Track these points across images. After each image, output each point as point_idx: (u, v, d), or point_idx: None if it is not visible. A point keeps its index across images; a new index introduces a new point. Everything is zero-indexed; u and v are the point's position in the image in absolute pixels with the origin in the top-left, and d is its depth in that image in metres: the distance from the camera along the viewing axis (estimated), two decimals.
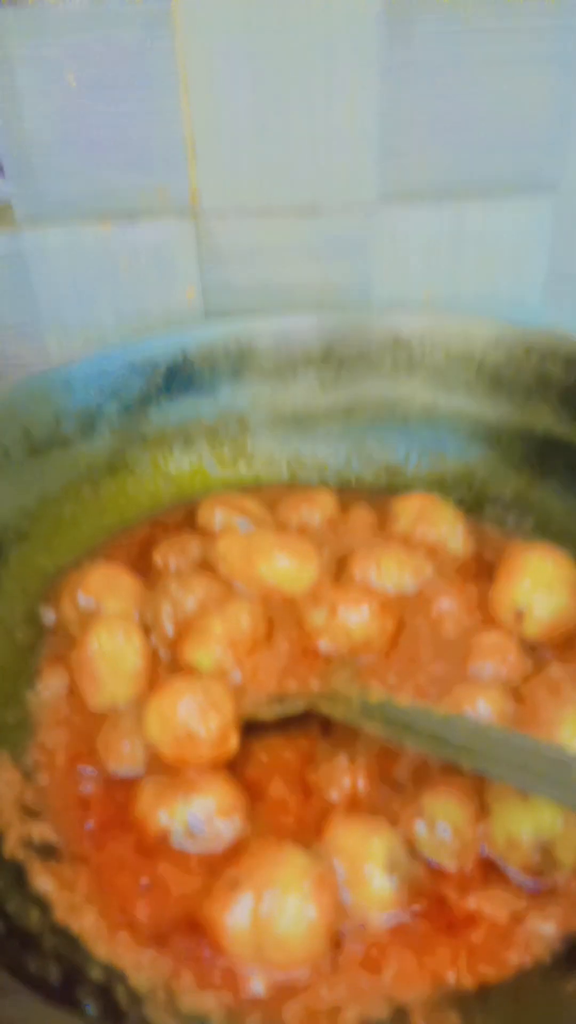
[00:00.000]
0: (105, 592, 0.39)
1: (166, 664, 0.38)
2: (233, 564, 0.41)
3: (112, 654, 0.36)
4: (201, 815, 0.31)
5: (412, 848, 0.30)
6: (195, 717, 0.33)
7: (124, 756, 0.34)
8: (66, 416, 0.47)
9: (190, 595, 0.39)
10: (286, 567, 0.41)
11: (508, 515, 0.47)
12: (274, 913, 0.27)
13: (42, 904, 0.29)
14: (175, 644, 0.38)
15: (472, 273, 0.53)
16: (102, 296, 0.54)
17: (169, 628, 0.39)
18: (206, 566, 0.42)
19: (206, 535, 0.45)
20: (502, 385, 0.48)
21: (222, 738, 0.33)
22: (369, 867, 0.29)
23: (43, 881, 0.30)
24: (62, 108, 0.48)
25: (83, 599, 0.39)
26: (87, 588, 0.39)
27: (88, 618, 0.38)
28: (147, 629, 0.39)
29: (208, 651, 0.37)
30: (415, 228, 0.52)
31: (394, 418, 0.51)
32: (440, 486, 0.50)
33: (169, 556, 0.43)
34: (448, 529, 0.44)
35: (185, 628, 0.38)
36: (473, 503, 0.49)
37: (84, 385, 0.48)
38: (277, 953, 0.27)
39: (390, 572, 0.41)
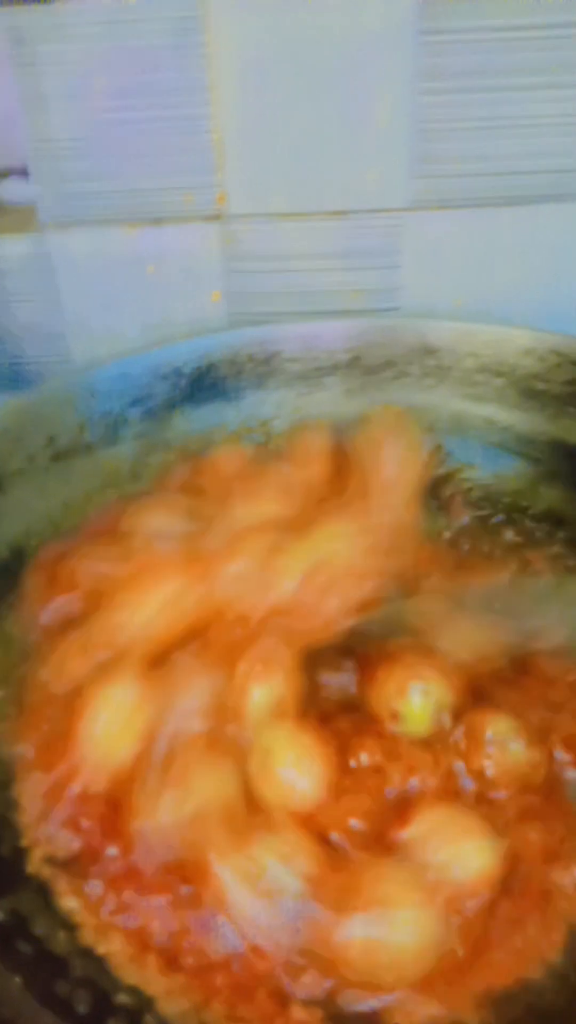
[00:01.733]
0: None
1: None
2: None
3: None
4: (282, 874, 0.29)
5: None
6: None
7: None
8: (90, 422, 0.46)
9: None
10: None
11: (538, 529, 0.47)
12: (389, 932, 0.27)
13: (69, 925, 0.28)
14: None
15: (504, 281, 0.52)
16: (127, 300, 0.53)
17: None
18: None
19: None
20: (534, 395, 0.48)
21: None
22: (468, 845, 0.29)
23: (69, 900, 0.29)
24: (89, 111, 0.48)
25: None
26: None
27: None
28: None
29: None
30: (447, 235, 0.51)
31: (421, 427, 0.51)
32: (468, 498, 0.49)
33: None
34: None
35: None
36: (503, 516, 0.48)
37: (108, 391, 0.47)
38: (391, 972, 0.27)
39: None
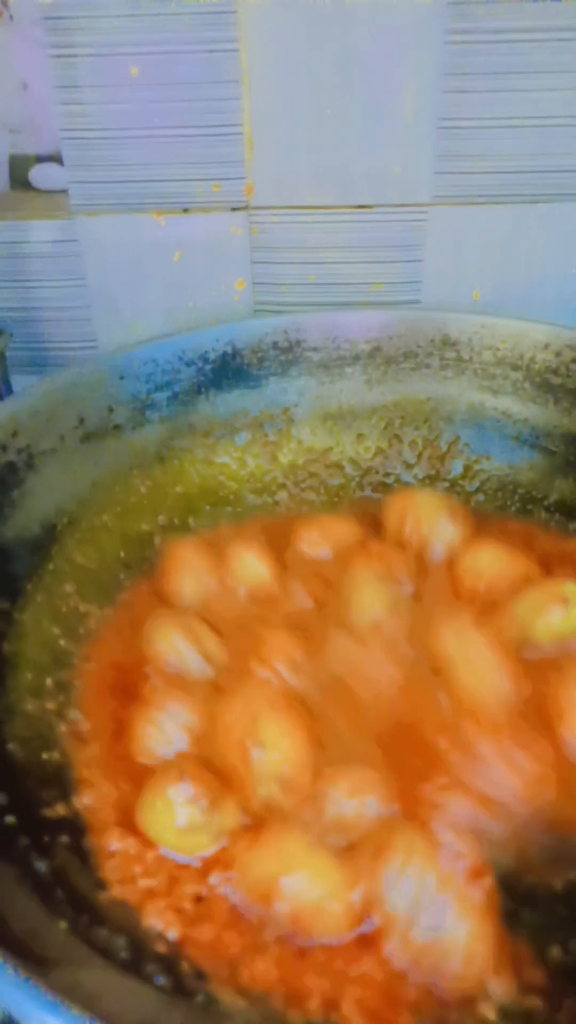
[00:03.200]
0: None
1: None
2: None
3: None
4: None
5: None
6: None
7: None
8: (118, 405, 0.47)
9: None
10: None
11: (552, 519, 0.48)
12: None
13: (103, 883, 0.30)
14: None
15: (524, 276, 0.53)
16: (153, 286, 0.55)
17: None
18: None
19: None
20: (550, 388, 0.49)
21: None
22: None
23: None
24: (123, 100, 0.49)
25: None
26: None
27: None
28: None
29: None
30: (468, 230, 0.52)
31: (440, 418, 0.52)
32: (484, 488, 0.50)
33: None
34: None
35: None
36: (518, 506, 0.49)
37: (136, 375, 0.48)
38: None
39: None
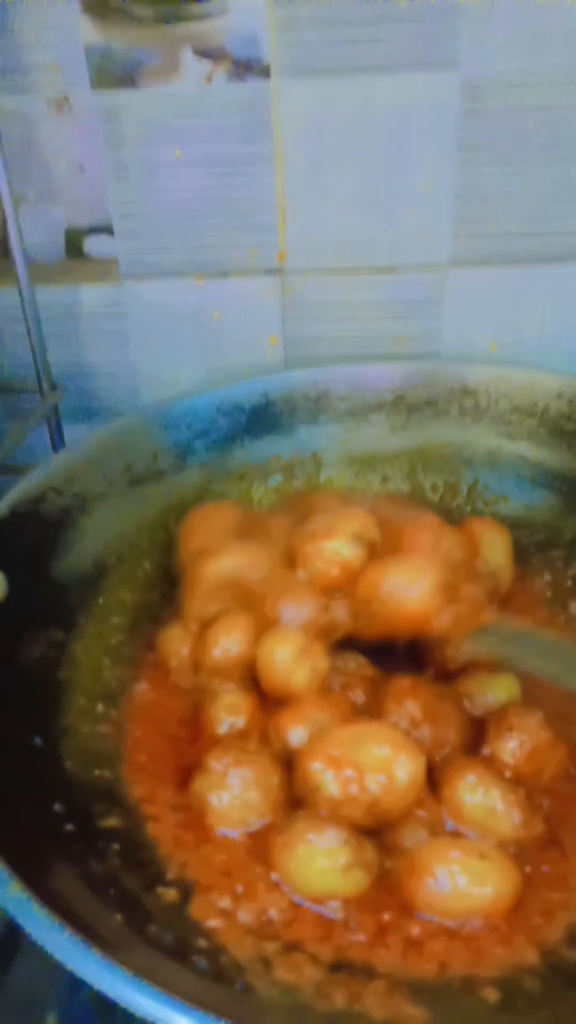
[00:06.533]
0: None
1: None
2: None
3: None
4: None
5: None
6: None
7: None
8: (162, 452, 0.52)
9: None
10: None
11: (568, 557, 0.51)
12: None
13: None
14: None
15: (538, 330, 0.57)
16: (194, 343, 0.59)
17: None
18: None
19: None
20: (563, 434, 0.52)
21: None
22: None
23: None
24: (167, 178, 0.54)
25: None
26: None
27: None
28: None
29: None
30: (483, 288, 0.56)
31: (459, 461, 0.55)
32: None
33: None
34: None
35: None
36: (533, 545, 0.52)
37: (178, 424, 0.53)
38: None
39: None
